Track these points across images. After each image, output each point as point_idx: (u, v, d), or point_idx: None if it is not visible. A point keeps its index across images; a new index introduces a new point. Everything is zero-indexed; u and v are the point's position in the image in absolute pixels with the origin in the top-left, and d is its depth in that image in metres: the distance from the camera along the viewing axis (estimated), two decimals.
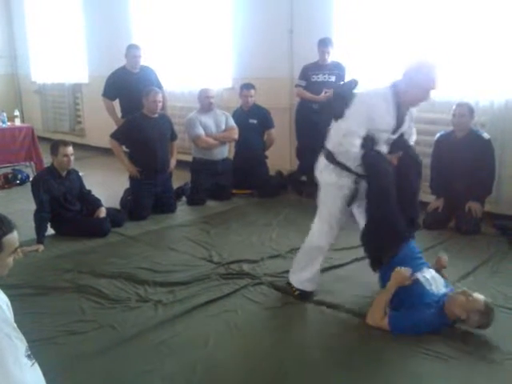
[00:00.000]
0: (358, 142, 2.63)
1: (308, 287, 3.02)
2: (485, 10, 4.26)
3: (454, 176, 4.15)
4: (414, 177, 2.87)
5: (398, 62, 4.76)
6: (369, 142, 2.67)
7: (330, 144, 2.80)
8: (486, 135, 4.10)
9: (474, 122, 4.19)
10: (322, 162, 2.88)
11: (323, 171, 2.87)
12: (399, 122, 2.71)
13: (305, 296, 3.00)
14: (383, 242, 2.77)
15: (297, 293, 3.02)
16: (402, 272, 2.65)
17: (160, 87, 5.30)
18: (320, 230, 2.97)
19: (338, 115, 2.70)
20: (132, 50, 5.21)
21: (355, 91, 2.75)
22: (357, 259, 3.46)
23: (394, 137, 2.79)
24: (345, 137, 2.66)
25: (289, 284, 3.10)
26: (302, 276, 3.02)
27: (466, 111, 4.08)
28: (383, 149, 2.77)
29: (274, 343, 2.56)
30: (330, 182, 2.83)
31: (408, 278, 2.64)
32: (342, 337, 2.63)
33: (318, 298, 3.02)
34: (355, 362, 2.41)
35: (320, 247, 2.98)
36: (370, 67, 5.07)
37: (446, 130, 4.27)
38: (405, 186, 2.77)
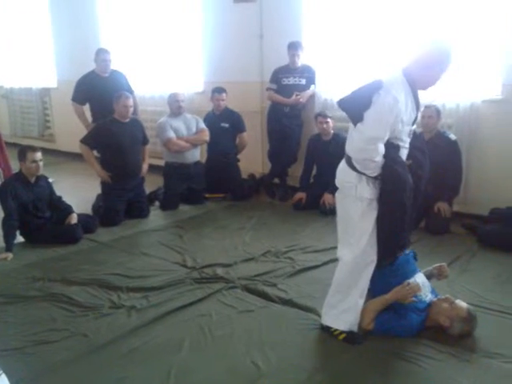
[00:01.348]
0: (382, 148, 2.37)
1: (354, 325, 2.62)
2: (450, 15, 4.36)
3: None
4: (423, 181, 2.62)
5: (366, 63, 4.86)
6: (391, 149, 2.41)
7: (351, 152, 2.47)
8: (452, 136, 4.20)
9: (441, 123, 4.29)
10: (351, 174, 2.49)
11: (358, 186, 2.47)
12: (418, 110, 2.47)
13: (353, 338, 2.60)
14: (385, 250, 2.57)
15: (342, 336, 2.61)
16: (405, 291, 2.60)
17: (131, 91, 5.26)
18: (359, 248, 2.53)
19: (357, 119, 2.38)
20: (101, 54, 5.17)
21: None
22: (331, 261, 3.48)
23: (414, 128, 2.53)
24: (368, 143, 2.35)
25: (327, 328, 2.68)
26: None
27: (433, 113, 4.17)
28: (407, 144, 2.50)
29: (248, 347, 2.55)
30: (368, 197, 2.47)
31: (410, 298, 2.60)
32: (318, 339, 2.64)
33: (292, 300, 3.03)
34: (333, 365, 2.42)
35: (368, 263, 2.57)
36: (339, 69, 5.13)
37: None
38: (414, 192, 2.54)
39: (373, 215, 2.49)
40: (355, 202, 2.49)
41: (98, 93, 5.05)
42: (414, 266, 2.82)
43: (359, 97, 2.41)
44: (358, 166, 2.44)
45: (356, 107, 2.40)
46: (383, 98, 2.33)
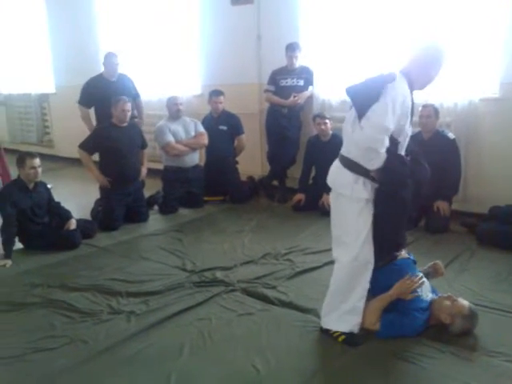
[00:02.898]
0: (387, 142, 2.32)
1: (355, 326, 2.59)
2: (446, 14, 4.36)
3: None
4: (421, 181, 2.59)
5: (364, 64, 4.86)
6: (392, 145, 2.37)
7: (353, 151, 2.43)
8: (451, 135, 4.20)
9: (440, 122, 4.28)
10: (347, 175, 2.46)
11: (354, 186, 2.44)
12: (413, 111, 2.48)
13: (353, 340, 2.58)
14: (382, 249, 2.58)
15: (342, 338, 2.59)
16: (406, 285, 2.59)
17: (137, 95, 5.34)
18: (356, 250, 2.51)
19: (363, 110, 2.32)
20: (109, 58, 5.18)
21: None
22: (330, 262, 3.45)
23: (410, 130, 2.51)
24: (379, 132, 2.29)
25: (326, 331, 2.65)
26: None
27: (431, 112, 4.18)
28: (403, 149, 2.49)
29: (248, 350, 2.54)
30: (365, 197, 2.44)
31: (411, 294, 2.59)
32: (317, 341, 2.63)
33: (292, 302, 3.02)
34: (332, 367, 2.40)
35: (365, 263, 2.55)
36: (337, 70, 5.13)
37: (414, 132, 4.33)
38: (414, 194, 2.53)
39: (369, 215, 2.48)
40: (352, 202, 2.47)
41: (103, 96, 4.98)
42: (415, 269, 2.82)
43: (370, 87, 2.36)
44: (358, 158, 2.39)
45: (365, 97, 2.35)
46: (396, 90, 2.31)
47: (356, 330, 2.59)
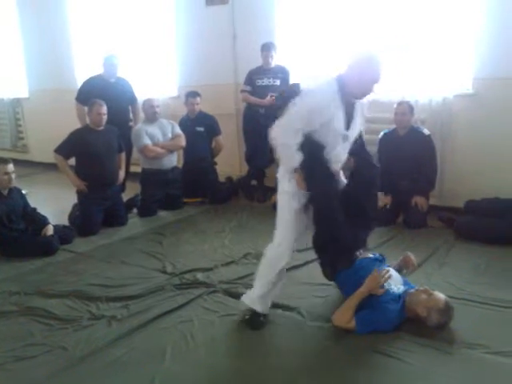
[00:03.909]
0: (292, 134, 2.53)
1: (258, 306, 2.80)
2: (421, 13, 4.41)
3: (399, 172, 4.27)
4: (372, 180, 2.85)
5: (340, 63, 4.87)
6: (315, 146, 2.57)
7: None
8: (426, 131, 4.25)
9: (415, 119, 4.34)
10: (280, 171, 2.76)
11: (282, 180, 2.73)
12: (349, 116, 2.62)
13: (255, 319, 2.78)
14: (332, 256, 2.78)
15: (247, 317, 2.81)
16: (375, 279, 2.63)
17: (135, 100, 5.35)
18: (280, 242, 2.77)
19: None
20: (108, 59, 5.17)
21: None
22: (311, 260, 3.48)
23: (349, 133, 2.66)
24: (284, 129, 2.56)
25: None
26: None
27: (406, 109, 4.23)
28: (342, 148, 2.68)
29: (231, 351, 2.54)
30: (289, 190, 2.68)
31: (379, 288, 2.63)
32: (301, 340, 2.63)
33: (273, 301, 2.99)
34: (315, 365, 2.41)
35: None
36: (313, 70, 5.15)
37: (389, 129, 4.39)
38: (360, 192, 2.79)
39: (293, 206, 2.67)
40: (282, 194, 2.72)
41: (100, 95, 4.85)
42: (379, 265, 2.83)
43: (287, 97, 2.73)
44: (282, 157, 2.63)
45: (284, 107, 2.60)
46: (301, 95, 2.58)
47: (267, 311, 2.79)
